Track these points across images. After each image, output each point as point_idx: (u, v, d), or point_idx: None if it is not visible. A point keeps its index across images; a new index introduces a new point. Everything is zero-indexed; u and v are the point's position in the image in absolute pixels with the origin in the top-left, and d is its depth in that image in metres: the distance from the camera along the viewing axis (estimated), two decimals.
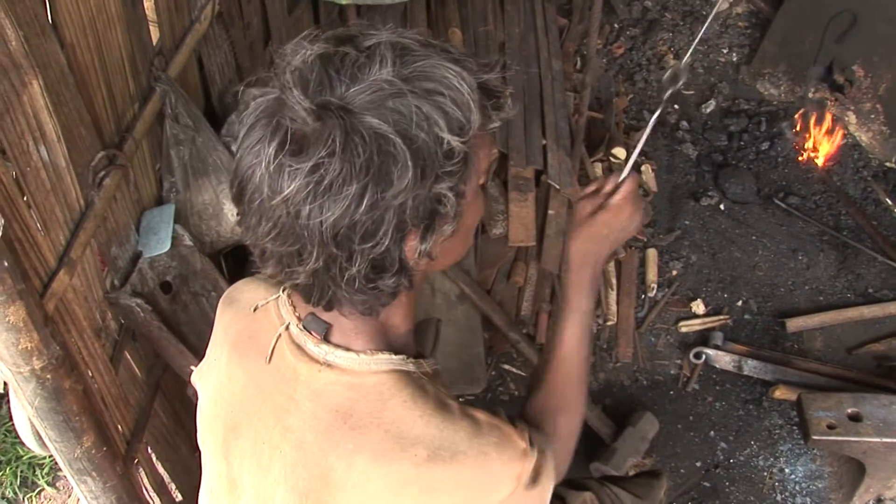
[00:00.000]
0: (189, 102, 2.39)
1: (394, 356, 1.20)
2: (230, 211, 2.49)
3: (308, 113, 0.99)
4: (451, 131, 1.01)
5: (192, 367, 2.23)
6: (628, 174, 1.54)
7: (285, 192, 1.00)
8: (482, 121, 1.07)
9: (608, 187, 1.54)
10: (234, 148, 1.11)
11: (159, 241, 2.26)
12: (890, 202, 4.08)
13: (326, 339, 1.21)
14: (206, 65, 2.61)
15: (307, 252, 1.05)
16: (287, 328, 1.25)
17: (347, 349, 1.20)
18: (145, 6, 2.27)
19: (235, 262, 2.73)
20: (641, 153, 4.07)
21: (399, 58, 1.03)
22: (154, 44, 2.33)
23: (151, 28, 2.30)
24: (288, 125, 1.00)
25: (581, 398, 1.51)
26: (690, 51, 1.72)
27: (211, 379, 1.39)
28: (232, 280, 2.51)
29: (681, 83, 1.65)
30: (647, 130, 1.66)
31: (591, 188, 1.58)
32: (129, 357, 2.30)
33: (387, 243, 1.04)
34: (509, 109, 1.12)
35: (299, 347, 1.22)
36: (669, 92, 1.65)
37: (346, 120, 0.98)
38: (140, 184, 2.30)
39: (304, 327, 1.23)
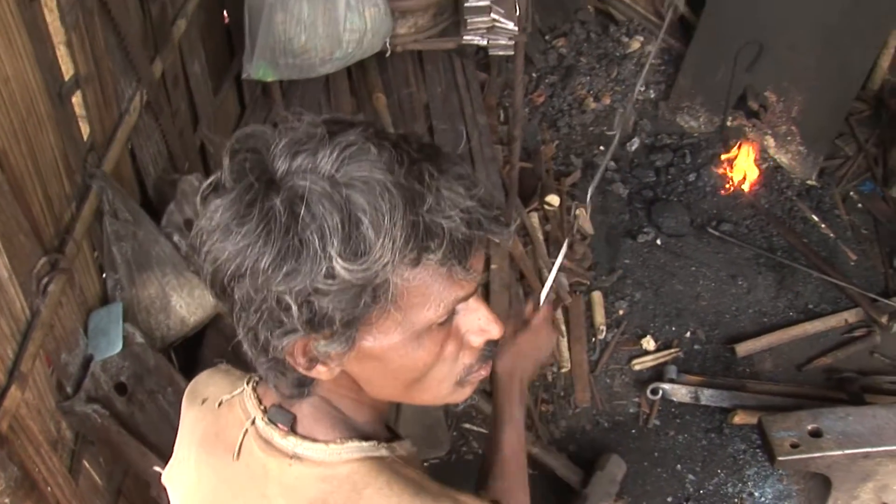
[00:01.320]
0: (126, 197, 2.38)
1: (363, 443, 1.15)
2: (177, 302, 2.48)
3: (230, 172, 0.96)
4: (343, 257, 0.92)
5: (157, 468, 2.19)
6: (545, 299, 1.70)
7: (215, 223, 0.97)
8: (401, 258, 0.95)
9: (528, 310, 1.67)
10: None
11: (110, 342, 2.23)
12: (816, 218, 4.24)
13: (293, 430, 1.16)
14: (139, 156, 2.61)
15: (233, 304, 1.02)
16: (253, 422, 1.20)
17: (315, 440, 1.15)
18: (73, 102, 2.27)
19: (185, 354, 2.70)
20: (575, 197, 4.19)
21: (345, 159, 0.94)
22: (85, 140, 2.32)
23: (81, 124, 2.30)
24: (219, 178, 0.98)
25: (525, 496, 1.58)
26: (634, 95, 1.80)
27: (181, 479, 1.35)
28: (184, 373, 2.50)
29: (623, 126, 1.78)
30: (560, 258, 1.82)
31: (514, 312, 1.76)
32: (87, 466, 2.25)
33: (254, 322, 0.99)
34: (446, 255, 0.97)
35: (267, 442, 1.17)
36: (616, 132, 1.80)
37: (263, 186, 0.94)
38: (84, 285, 2.28)
39: (270, 420, 1.17)
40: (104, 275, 2.42)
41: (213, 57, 3.23)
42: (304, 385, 1.10)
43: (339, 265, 0.91)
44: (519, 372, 1.61)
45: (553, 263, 1.85)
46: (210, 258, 0.98)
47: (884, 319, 3.68)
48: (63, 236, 2.15)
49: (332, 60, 2.92)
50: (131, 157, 2.61)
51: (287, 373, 1.06)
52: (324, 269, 0.92)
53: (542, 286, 1.77)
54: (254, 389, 1.22)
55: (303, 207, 0.92)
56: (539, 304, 1.68)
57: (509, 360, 1.60)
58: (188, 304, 2.50)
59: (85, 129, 2.33)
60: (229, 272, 0.96)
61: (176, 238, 2.51)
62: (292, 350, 1.00)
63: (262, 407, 1.19)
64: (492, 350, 1.26)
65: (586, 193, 4.18)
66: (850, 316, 3.77)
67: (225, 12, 3.47)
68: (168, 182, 2.70)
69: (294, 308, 0.94)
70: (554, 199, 4.06)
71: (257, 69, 2.91)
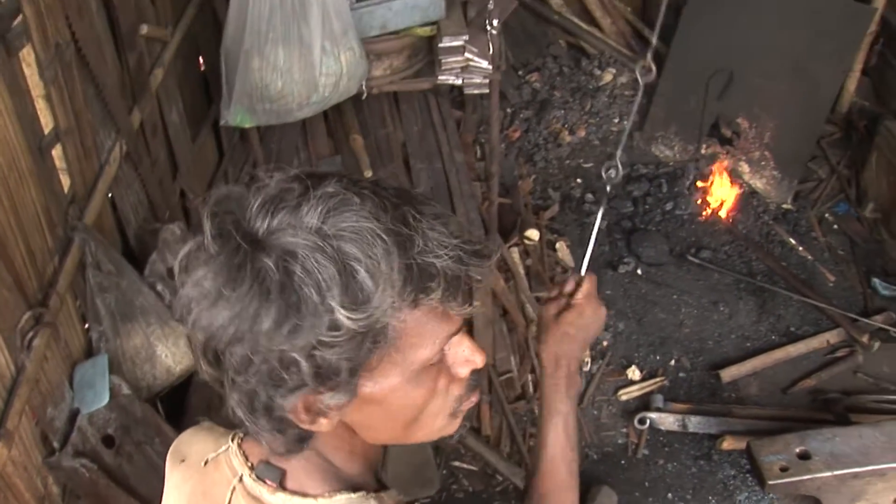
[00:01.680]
0: (109, 248, 2.39)
1: (353, 495, 1.13)
2: (163, 352, 2.48)
3: (213, 237, 0.95)
4: (343, 305, 0.93)
5: None
6: (586, 272, 1.57)
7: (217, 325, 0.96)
8: (401, 302, 0.97)
9: (569, 288, 1.55)
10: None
11: (96, 394, 2.23)
12: (794, 241, 4.30)
13: (282, 486, 1.15)
14: (120, 206, 2.63)
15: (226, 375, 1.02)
16: (240, 480, 1.18)
17: (304, 495, 1.14)
18: (54, 156, 2.28)
19: (171, 404, 2.70)
20: (554, 231, 4.22)
21: (329, 211, 0.95)
22: (66, 193, 2.33)
23: (62, 177, 2.31)
24: (199, 243, 0.97)
25: (574, 496, 1.52)
26: (622, 143, 1.78)
27: None
28: (171, 423, 2.50)
29: (619, 175, 1.70)
30: (597, 225, 1.69)
31: (554, 291, 1.59)
32: None
33: (253, 384, 0.99)
34: (444, 294, 1.00)
35: (256, 499, 1.16)
36: (609, 188, 1.71)
37: (250, 247, 0.94)
38: (69, 338, 2.28)
39: (258, 476, 1.16)
40: (87, 326, 2.43)
41: (191, 105, 3.26)
42: (303, 440, 1.10)
43: (341, 315, 0.92)
44: (566, 357, 1.51)
45: (594, 229, 1.69)
46: (201, 326, 0.97)
47: (865, 339, 3.72)
48: (46, 290, 2.16)
49: (309, 105, 2.96)
50: (112, 208, 2.62)
51: (287, 430, 1.05)
52: (326, 322, 0.93)
53: (583, 258, 1.62)
54: (239, 446, 1.21)
55: (296, 264, 0.92)
56: (580, 278, 1.55)
57: (553, 346, 1.51)
58: (174, 354, 2.50)
59: (66, 182, 2.35)
60: (225, 339, 0.95)
61: (159, 287, 2.52)
62: (295, 407, 1.00)
63: (248, 463, 1.18)
64: (476, 379, 1.24)
65: (565, 226, 4.23)
66: (832, 337, 3.81)
67: (201, 60, 3.50)
68: (149, 231, 2.72)
69: (302, 363, 0.95)
70: (534, 234, 4.10)
71: (235, 116, 2.94)
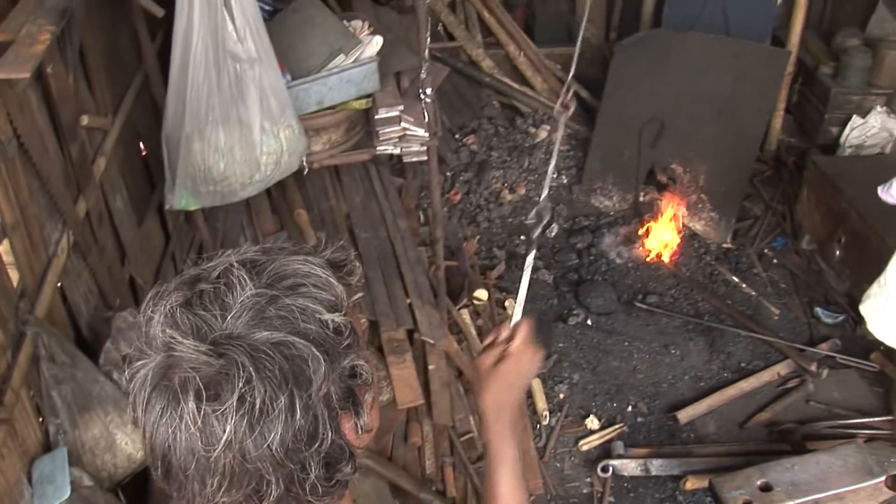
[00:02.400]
0: (62, 339, 2.42)
1: None
2: (122, 440, 2.50)
3: (207, 354, 1.00)
4: (329, 311, 1.07)
5: None
6: (520, 319, 1.64)
7: (224, 437, 0.99)
8: (346, 291, 1.13)
9: (504, 336, 1.61)
10: (139, 425, 1.05)
11: (57, 489, 2.23)
12: (736, 279, 4.46)
13: None
14: (70, 297, 2.66)
15: (266, 483, 1.03)
16: None
17: None
18: (1, 251, 2.32)
19: (134, 490, 2.70)
20: (502, 289, 4.32)
21: (251, 272, 1.07)
22: (16, 287, 2.36)
23: (11, 272, 2.34)
24: (191, 376, 1.00)
25: None
26: (545, 190, 1.88)
27: None
28: None
29: (545, 221, 1.79)
30: (527, 272, 1.79)
31: (489, 340, 1.65)
32: None
33: (330, 436, 1.06)
34: (359, 271, 1.18)
35: None
36: (538, 233, 1.79)
37: (243, 344, 1.00)
38: (25, 434, 2.29)
39: None
40: (44, 420, 2.44)
41: (135, 190, 3.32)
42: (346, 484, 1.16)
43: (337, 318, 1.07)
44: (507, 405, 1.56)
45: (525, 276, 1.78)
46: (213, 468, 1.01)
47: (813, 367, 3.86)
48: (0, 387, 2.17)
49: (253, 184, 3.04)
50: (63, 299, 2.65)
51: (339, 476, 1.11)
52: (332, 331, 1.06)
53: (516, 305, 1.70)
54: None
55: (265, 364, 1.00)
56: (514, 326, 1.61)
57: (494, 395, 1.56)
58: (134, 441, 2.52)
59: (14, 277, 2.38)
60: (257, 454, 1.01)
61: (115, 375, 2.55)
62: (350, 431, 1.11)
63: None
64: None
65: (513, 283, 4.33)
66: (782, 368, 3.95)
67: (142, 145, 3.56)
68: (102, 320, 2.75)
69: (360, 364, 1.10)
70: (482, 294, 4.19)
71: (179, 199, 3.01)
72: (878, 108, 4.90)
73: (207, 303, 1.04)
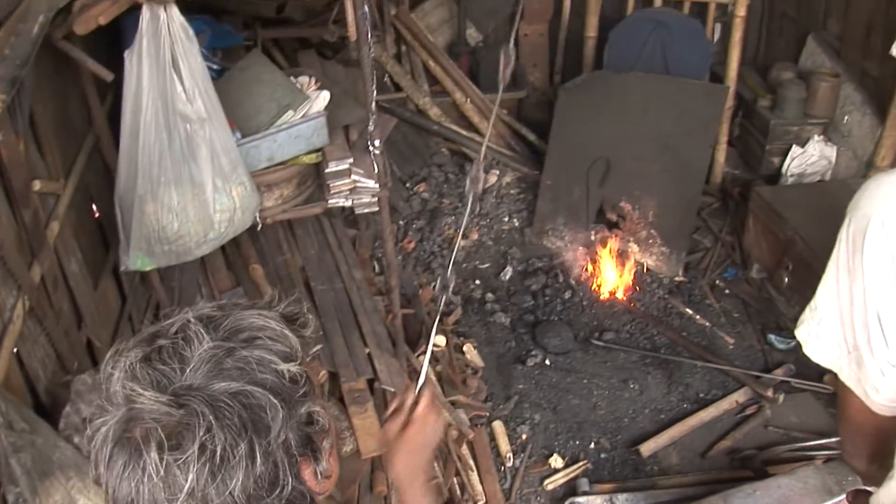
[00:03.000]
0: (19, 406, 2.44)
1: None
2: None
3: (168, 405, 1.05)
4: (285, 361, 1.14)
5: None
6: (421, 386, 1.70)
7: (187, 486, 1.04)
8: (300, 343, 1.21)
9: (408, 402, 1.68)
10: (102, 482, 1.09)
11: None
12: (690, 311, 4.59)
13: None
14: (27, 362, 2.68)
15: None
16: None
17: None
18: None
19: None
20: (460, 334, 4.39)
21: (207, 327, 1.14)
22: None
23: None
24: (152, 427, 1.05)
25: None
26: (450, 264, 1.97)
27: None
28: None
29: (449, 289, 1.87)
30: (432, 340, 1.94)
31: (392, 407, 1.72)
32: None
33: (291, 482, 1.12)
34: (313, 323, 1.26)
35: None
36: (444, 297, 1.89)
37: (203, 394, 1.06)
38: None
39: None
40: (2, 489, 2.44)
41: (89, 253, 3.35)
42: None
43: (292, 368, 1.14)
44: (417, 470, 1.63)
45: (426, 354, 1.86)
46: None
47: (770, 393, 3.98)
48: None
49: (207, 242, 3.09)
50: (19, 364, 2.67)
51: None
52: (288, 381, 1.14)
53: (420, 371, 1.76)
54: None
55: (224, 412, 1.07)
56: (417, 392, 1.68)
57: (404, 460, 1.63)
58: None
59: None
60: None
61: (76, 440, 2.57)
62: (310, 477, 1.17)
63: None
64: None
65: (470, 327, 4.41)
66: (739, 396, 4.06)
67: (95, 207, 3.60)
68: (60, 384, 2.77)
69: (317, 410, 1.17)
70: (440, 340, 4.26)
71: (135, 260, 3.06)
72: (816, 137, 5.10)
73: (166, 357, 1.10)
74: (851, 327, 1.12)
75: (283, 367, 1.13)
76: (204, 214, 3.00)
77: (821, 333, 1.20)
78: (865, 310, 1.08)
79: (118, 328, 3.54)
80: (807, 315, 1.24)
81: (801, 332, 1.26)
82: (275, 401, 1.10)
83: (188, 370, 1.08)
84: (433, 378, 4.05)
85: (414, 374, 4.02)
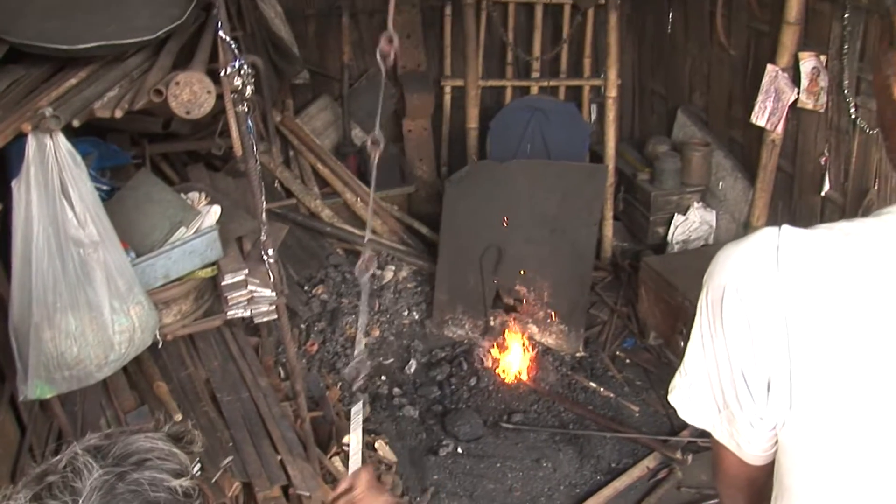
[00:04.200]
0: None
1: None
2: None
3: None
4: (176, 478, 1.21)
5: None
6: (357, 467, 1.82)
7: None
8: (189, 458, 1.28)
9: (346, 485, 1.78)
10: None
11: None
12: (594, 385, 4.81)
13: None
14: None
15: None
16: None
17: None
18: None
19: None
20: (371, 431, 4.50)
21: (96, 456, 1.19)
22: None
23: None
24: None
25: None
26: (359, 346, 2.10)
27: None
28: None
29: (363, 374, 2.00)
30: (359, 419, 2.04)
31: (338, 491, 1.80)
32: None
33: None
34: (200, 439, 1.34)
35: None
36: (358, 385, 2.02)
37: None
38: None
39: None
40: None
41: None
42: None
43: (185, 483, 1.21)
44: None
45: (353, 430, 1.97)
46: None
47: (679, 455, 4.20)
48: None
49: (108, 364, 3.16)
50: None
51: None
52: (182, 495, 1.21)
53: (354, 453, 1.88)
54: None
55: None
56: (353, 475, 1.76)
57: None
58: None
59: None
60: None
61: None
62: None
63: None
64: None
65: (380, 424, 4.52)
66: (650, 462, 4.26)
67: None
68: None
69: None
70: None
71: (34, 389, 3.09)
72: (696, 205, 5.47)
73: (57, 492, 1.14)
74: (720, 387, 1.20)
75: (175, 483, 1.21)
76: (103, 337, 3.07)
77: (692, 396, 1.29)
78: (731, 370, 1.16)
79: (18, 461, 3.54)
80: (678, 381, 1.34)
81: (674, 398, 1.36)
82: None
83: (80, 501, 1.14)
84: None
85: (328, 475, 4.10)
